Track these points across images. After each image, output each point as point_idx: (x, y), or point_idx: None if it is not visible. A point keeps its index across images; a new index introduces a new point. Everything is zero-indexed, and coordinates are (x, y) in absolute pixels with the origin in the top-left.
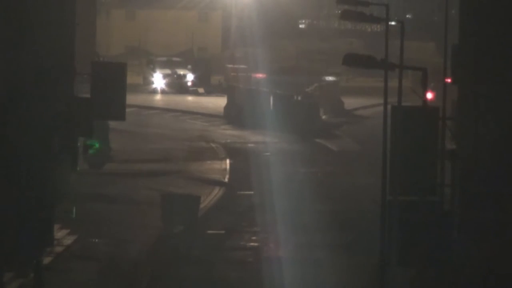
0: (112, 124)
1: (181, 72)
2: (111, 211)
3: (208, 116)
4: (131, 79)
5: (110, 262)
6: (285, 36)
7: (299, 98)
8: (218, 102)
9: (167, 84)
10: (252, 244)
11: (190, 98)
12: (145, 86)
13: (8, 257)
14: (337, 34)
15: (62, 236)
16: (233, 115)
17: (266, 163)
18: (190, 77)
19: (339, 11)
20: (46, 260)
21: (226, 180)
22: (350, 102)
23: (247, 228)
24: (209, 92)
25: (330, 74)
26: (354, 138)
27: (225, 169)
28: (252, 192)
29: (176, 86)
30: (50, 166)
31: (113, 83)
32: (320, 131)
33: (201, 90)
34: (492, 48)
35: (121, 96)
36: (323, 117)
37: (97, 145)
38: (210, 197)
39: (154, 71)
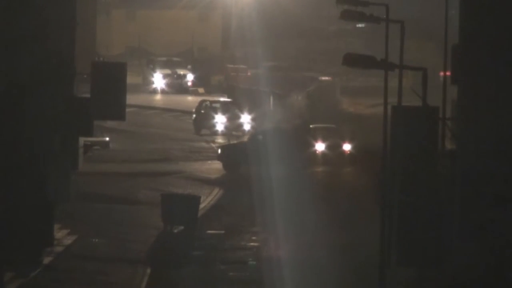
0: (112, 124)
1: (181, 72)
2: (111, 211)
3: None
4: (131, 79)
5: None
6: (285, 36)
7: (299, 98)
8: None
9: (167, 84)
10: (252, 244)
11: (190, 98)
12: (145, 86)
13: (8, 257)
14: (337, 34)
15: (62, 236)
16: None
17: (266, 162)
18: (190, 77)
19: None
20: (46, 260)
21: (226, 180)
22: (350, 102)
23: (247, 228)
24: (209, 92)
25: (329, 74)
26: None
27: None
28: (252, 192)
29: (176, 86)
30: (50, 166)
31: (113, 83)
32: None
33: (201, 90)
34: (492, 48)
35: (121, 96)
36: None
37: None
38: (210, 197)
39: (154, 71)
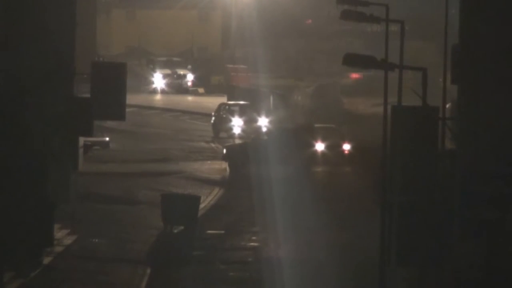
0: (112, 124)
1: (181, 72)
2: (111, 211)
3: (208, 116)
4: (131, 79)
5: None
6: (285, 36)
7: (299, 98)
8: (218, 102)
9: (167, 84)
10: (252, 244)
11: (190, 98)
12: (145, 86)
13: (8, 257)
14: (337, 34)
15: (62, 236)
16: None
17: (269, 162)
18: (190, 77)
19: (339, 11)
20: (46, 260)
21: (226, 180)
22: (350, 102)
23: (247, 228)
24: (209, 92)
25: (329, 74)
26: (353, 138)
27: (225, 169)
28: (252, 192)
29: (176, 86)
30: (50, 166)
31: (113, 83)
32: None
33: (201, 90)
34: (492, 48)
35: (121, 96)
36: None
37: None
38: (210, 197)
39: (154, 71)
